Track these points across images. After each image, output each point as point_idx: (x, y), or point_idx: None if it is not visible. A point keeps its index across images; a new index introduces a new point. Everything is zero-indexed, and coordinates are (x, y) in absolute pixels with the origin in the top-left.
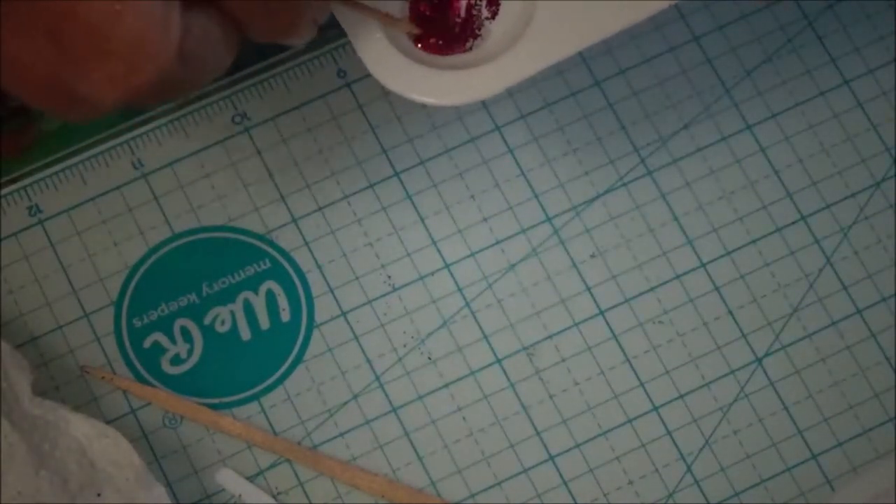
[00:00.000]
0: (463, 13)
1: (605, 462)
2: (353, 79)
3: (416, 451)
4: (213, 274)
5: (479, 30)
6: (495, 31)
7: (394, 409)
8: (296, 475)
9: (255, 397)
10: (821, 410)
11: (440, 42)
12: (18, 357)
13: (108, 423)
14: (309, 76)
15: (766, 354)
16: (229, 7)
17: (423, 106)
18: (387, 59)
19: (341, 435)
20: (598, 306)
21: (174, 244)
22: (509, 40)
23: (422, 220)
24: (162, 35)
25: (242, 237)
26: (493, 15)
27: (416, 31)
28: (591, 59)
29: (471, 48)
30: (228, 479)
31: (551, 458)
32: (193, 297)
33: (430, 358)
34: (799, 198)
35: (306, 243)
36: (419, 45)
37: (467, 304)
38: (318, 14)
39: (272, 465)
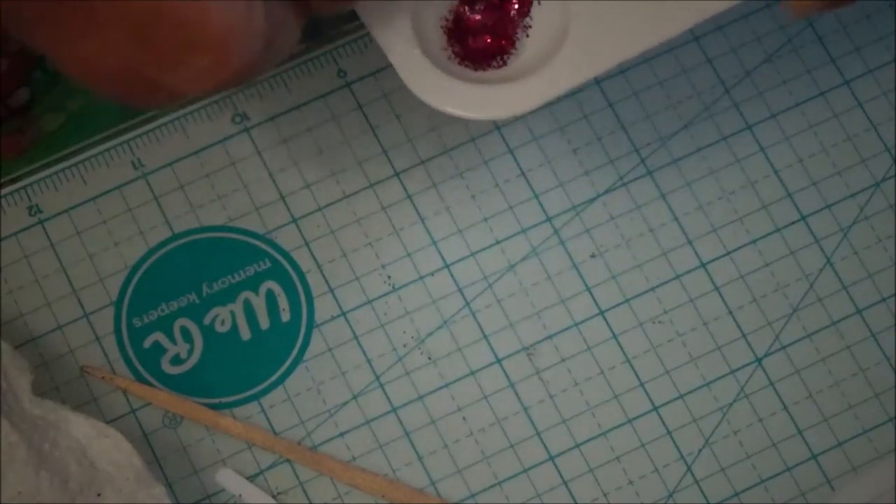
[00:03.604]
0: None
1: (605, 462)
2: (353, 79)
3: (416, 451)
4: (213, 274)
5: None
6: (530, 46)
7: (394, 409)
8: (296, 475)
9: (255, 397)
10: (821, 410)
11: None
12: (18, 357)
13: (108, 423)
14: (309, 76)
15: (766, 354)
16: None
17: (423, 106)
18: (422, 73)
19: (341, 435)
20: (598, 306)
21: (174, 244)
22: (544, 56)
23: (422, 220)
24: (248, 26)
25: (242, 237)
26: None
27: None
28: None
29: (507, 63)
30: (228, 479)
31: (551, 458)
32: (193, 297)
33: (430, 358)
34: (799, 198)
35: (306, 243)
36: (455, 59)
37: (467, 304)
38: None
39: (272, 465)
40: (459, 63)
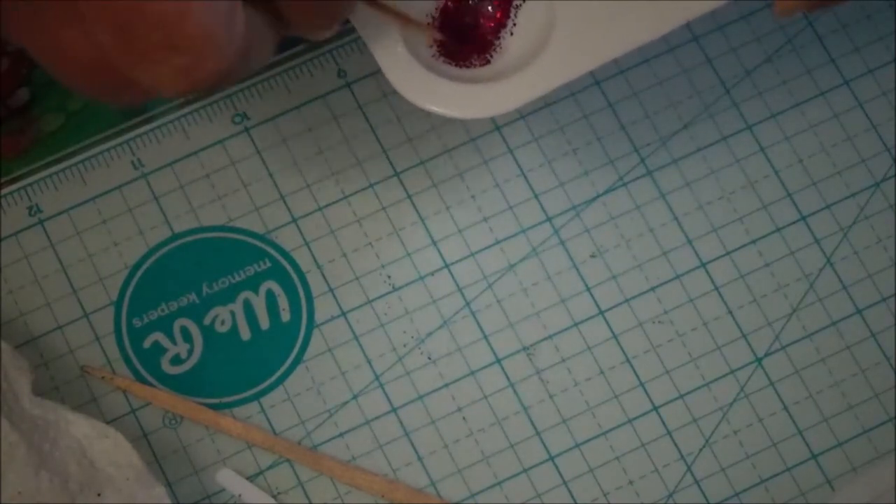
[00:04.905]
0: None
1: (605, 462)
2: (353, 79)
3: (416, 451)
4: (213, 274)
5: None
6: (515, 45)
7: (394, 409)
8: (296, 475)
9: (255, 397)
10: (821, 410)
11: (460, 54)
12: (18, 357)
13: (108, 423)
14: (309, 76)
15: (766, 354)
16: (278, 5)
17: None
18: (407, 70)
19: (341, 435)
20: (598, 306)
21: (174, 244)
22: (529, 55)
23: (422, 220)
24: (228, 30)
25: (242, 237)
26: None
27: (438, 36)
28: None
29: (490, 61)
30: (228, 479)
31: (551, 458)
32: (193, 297)
33: (430, 358)
34: (799, 198)
35: (306, 243)
36: (440, 57)
37: (467, 304)
38: (348, 12)
39: (272, 465)
40: (444, 61)
